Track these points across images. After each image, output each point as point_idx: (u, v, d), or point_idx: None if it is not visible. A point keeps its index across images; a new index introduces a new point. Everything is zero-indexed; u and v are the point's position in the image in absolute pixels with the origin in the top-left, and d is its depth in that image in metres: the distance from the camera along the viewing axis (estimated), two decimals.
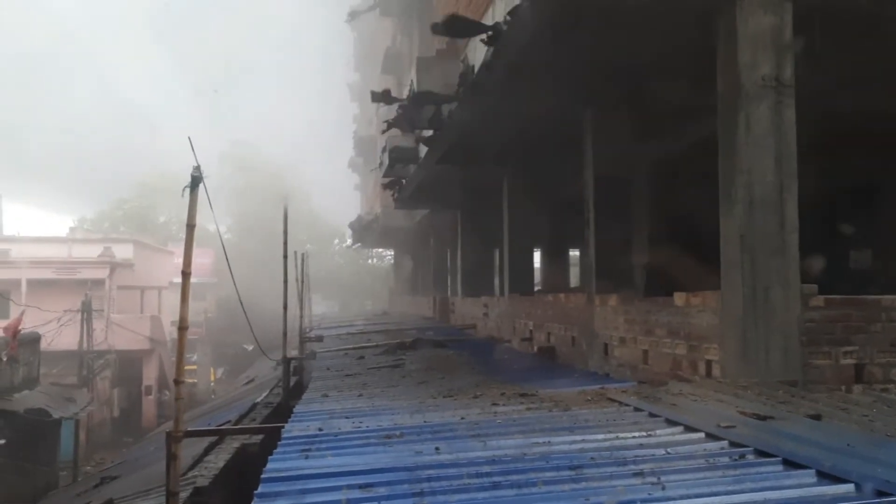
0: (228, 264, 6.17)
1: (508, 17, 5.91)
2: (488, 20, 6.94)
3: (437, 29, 7.10)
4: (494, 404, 4.62)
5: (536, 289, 12.29)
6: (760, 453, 2.94)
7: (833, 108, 6.55)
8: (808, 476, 2.64)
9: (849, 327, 4.66)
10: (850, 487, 2.48)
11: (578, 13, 5.45)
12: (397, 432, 3.74)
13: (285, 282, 9.52)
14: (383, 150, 14.23)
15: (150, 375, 28.38)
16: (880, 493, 2.37)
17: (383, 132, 12.30)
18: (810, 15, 4.92)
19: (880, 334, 4.68)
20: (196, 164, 4.03)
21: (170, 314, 32.38)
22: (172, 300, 33.19)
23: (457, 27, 6.95)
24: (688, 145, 7.92)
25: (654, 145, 8.49)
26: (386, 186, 15.98)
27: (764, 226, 4.67)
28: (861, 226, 9.36)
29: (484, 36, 6.36)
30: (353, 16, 25.42)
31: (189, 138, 4.10)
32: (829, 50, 5.64)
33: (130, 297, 30.14)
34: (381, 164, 15.09)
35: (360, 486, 2.76)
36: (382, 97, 9.93)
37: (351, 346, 10.58)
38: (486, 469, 2.91)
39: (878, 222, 9.24)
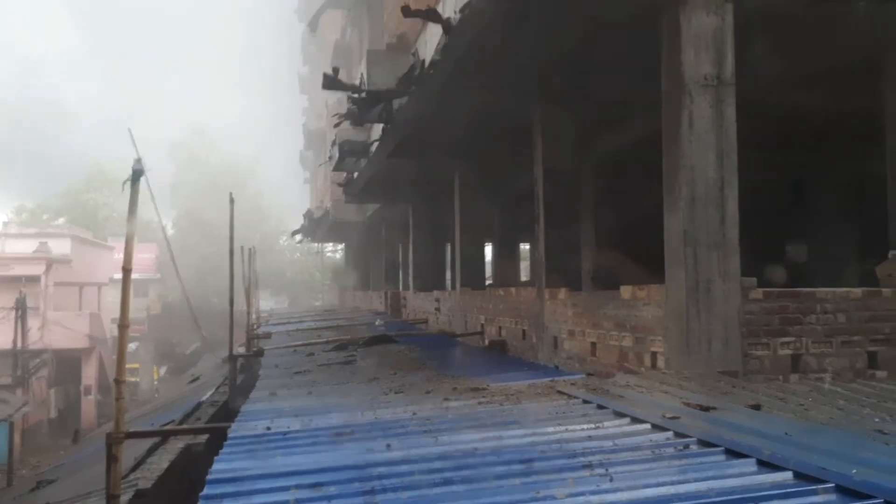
0: (173, 260, 6.01)
1: (458, 12, 5.91)
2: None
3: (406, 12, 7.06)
4: (446, 399, 4.61)
5: (488, 283, 12.36)
6: (703, 443, 3.01)
7: (771, 105, 6.78)
8: (749, 465, 2.72)
9: (786, 319, 4.84)
10: (788, 475, 2.57)
11: (530, 4, 5.48)
12: (347, 430, 3.69)
13: (231, 277, 9.32)
14: (333, 143, 14.06)
15: (89, 375, 27.39)
16: (816, 480, 2.46)
17: (335, 126, 12.12)
18: (750, 16, 5.07)
19: (815, 325, 4.88)
20: (137, 157, 3.89)
21: (110, 311, 31.32)
22: (113, 297, 32.14)
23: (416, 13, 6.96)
24: (633, 141, 8.08)
25: (601, 141, 8.63)
26: (339, 184, 15.77)
27: (706, 220, 4.80)
28: (797, 220, 9.74)
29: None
30: (314, 25, 24.63)
31: (129, 130, 3.98)
32: (766, 49, 5.84)
33: (68, 293, 29.00)
34: (331, 157, 14.90)
35: (310, 486, 2.71)
36: (334, 82, 9.70)
37: (300, 343, 10.42)
38: (437, 465, 2.89)
39: (812, 217, 9.64)
